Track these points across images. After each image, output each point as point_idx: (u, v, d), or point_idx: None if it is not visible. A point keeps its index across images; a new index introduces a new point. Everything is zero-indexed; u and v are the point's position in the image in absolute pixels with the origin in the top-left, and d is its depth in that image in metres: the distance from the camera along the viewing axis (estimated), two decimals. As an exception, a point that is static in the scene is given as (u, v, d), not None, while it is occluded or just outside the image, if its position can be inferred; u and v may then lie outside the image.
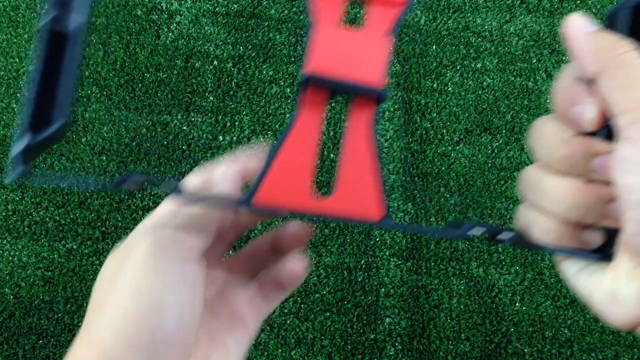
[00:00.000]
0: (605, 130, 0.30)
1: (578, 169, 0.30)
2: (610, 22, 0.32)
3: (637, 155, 0.27)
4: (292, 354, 0.70)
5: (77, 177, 0.27)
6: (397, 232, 0.75)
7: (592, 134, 0.30)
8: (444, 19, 0.88)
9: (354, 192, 0.32)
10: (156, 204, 0.74)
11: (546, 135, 0.31)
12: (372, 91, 0.32)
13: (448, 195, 0.78)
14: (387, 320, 0.71)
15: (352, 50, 0.32)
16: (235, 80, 0.81)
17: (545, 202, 0.31)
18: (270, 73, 0.82)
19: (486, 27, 0.88)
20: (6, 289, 0.69)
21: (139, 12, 0.83)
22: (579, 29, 0.30)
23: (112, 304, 0.31)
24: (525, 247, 0.33)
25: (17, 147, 0.25)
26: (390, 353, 0.70)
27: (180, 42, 0.82)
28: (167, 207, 0.34)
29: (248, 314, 0.35)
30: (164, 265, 0.31)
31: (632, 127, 0.27)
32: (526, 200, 0.33)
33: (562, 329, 0.73)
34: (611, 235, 0.30)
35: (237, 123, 0.79)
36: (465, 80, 0.84)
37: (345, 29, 0.32)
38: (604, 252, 0.31)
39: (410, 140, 0.80)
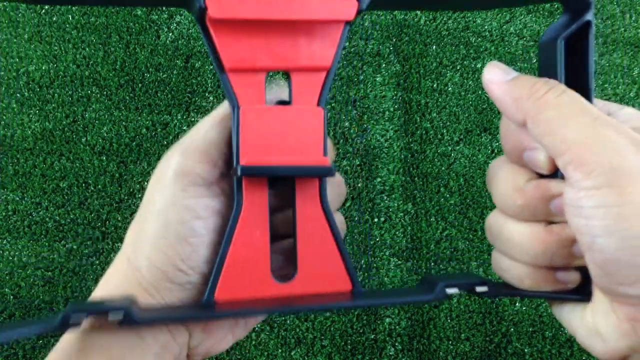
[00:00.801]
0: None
1: (537, 214, 0.29)
2: (542, 54, 0.31)
3: (578, 197, 0.26)
4: (292, 354, 0.70)
5: (15, 331, 0.25)
6: (397, 232, 0.76)
7: (550, 175, 0.29)
8: (444, 19, 0.88)
9: (318, 270, 0.30)
10: (156, 204, 0.74)
11: (501, 182, 0.30)
12: (314, 171, 0.30)
13: (448, 195, 0.78)
14: (387, 320, 0.71)
15: (285, 129, 0.30)
16: (235, 80, 0.81)
17: (511, 251, 0.30)
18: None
19: (486, 27, 0.88)
20: (6, 289, 0.69)
21: (139, 12, 0.83)
22: (497, 80, 0.30)
23: (146, 233, 0.30)
24: (504, 296, 0.32)
25: None
26: (390, 353, 0.70)
27: (180, 42, 0.82)
28: (200, 129, 0.32)
29: None
30: (189, 194, 0.30)
31: (568, 169, 0.26)
32: (495, 247, 0.32)
33: (562, 329, 0.73)
34: (587, 273, 0.29)
35: (237, 123, 0.79)
36: (465, 80, 0.84)
37: (273, 107, 0.30)
38: (584, 291, 0.30)
39: (410, 140, 0.80)
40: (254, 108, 0.30)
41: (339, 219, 0.33)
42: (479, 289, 0.30)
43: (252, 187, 0.30)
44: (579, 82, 0.29)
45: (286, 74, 0.31)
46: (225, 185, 0.31)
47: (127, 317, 0.26)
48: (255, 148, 0.29)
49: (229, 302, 0.29)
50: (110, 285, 0.32)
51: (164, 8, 0.83)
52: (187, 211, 0.30)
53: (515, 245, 0.30)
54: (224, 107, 0.32)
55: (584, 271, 0.30)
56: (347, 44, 0.85)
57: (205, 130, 0.31)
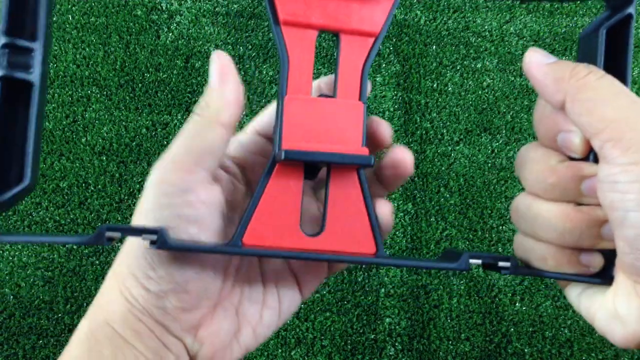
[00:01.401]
0: (593, 153, 0.30)
1: (568, 194, 0.30)
2: (582, 45, 0.33)
3: (613, 173, 0.27)
4: (292, 354, 0.70)
5: (46, 236, 0.26)
6: (397, 232, 0.76)
7: (582, 159, 0.30)
8: (444, 19, 0.88)
9: (344, 229, 0.31)
10: (156, 204, 0.74)
11: (532, 163, 0.31)
12: (352, 159, 0.31)
13: (448, 195, 0.78)
14: (387, 320, 0.71)
15: (326, 120, 0.31)
16: (235, 80, 0.81)
17: (538, 229, 0.31)
18: (270, 73, 0.82)
19: (486, 27, 0.88)
20: (6, 289, 0.69)
21: (139, 12, 0.83)
22: (537, 62, 0.31)
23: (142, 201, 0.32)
24: (524, 275, 0.32)
25: None
26: (390, 353, 0.70)
27: (180, 42, 0.82)
28: (176, 142, 0.33)
29: None
30: (164, 201, 0.31)
31: (605, 147, 0.27)
32: (520, 229, 0.32)
33: (562, 329, 0.73)
34: (610, 257, 0.30)
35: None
36: (465, 80, 0.84)
37: (316, 99, 0.31)
38: (605, 275, 0.30)
39: (410, 140, 0.80)
40: (298, 97, 0.31)
41: (387, 209, 0.34)
42: (502, 263, 0.30)
43: (288, 167, 0.31)
44: (617, 71, 0.31)
45: (336, 36, 0.32)
46: (202, 194, 0.32)
47: (161, 239, 0.27)
48: (296, 136, 0.30)
49: (256, 246, 0.30)
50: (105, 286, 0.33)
51: (163, 8, 0.83)
52: (155, 223, 0.31)
53: (543, 223, 0.30)
54: (200, 118, 0.32)
55: (607, 255, 0.31)
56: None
57: (181, 140, 0.32)
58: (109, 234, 0.26)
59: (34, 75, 0.25)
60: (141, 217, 0.31)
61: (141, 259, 0.31)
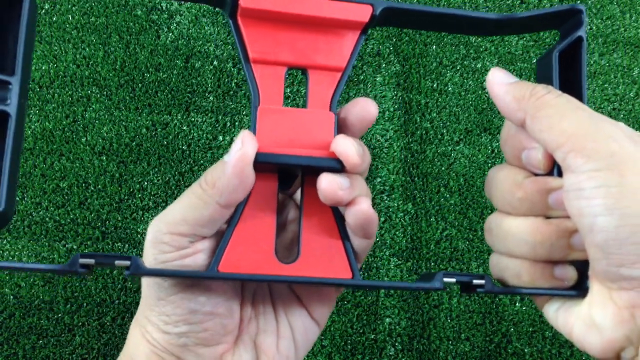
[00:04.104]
0: (557, 168, 0.31)
1: (536, 208, 0.31)
2: (539, 68, 0.34)
3: (579, 180, 0.28)
4: (292, 354, 0.70)
5: (27, 264, 0.27)
6: (397, 232, 0.76)
7: (547, 174, 0.31)
8: (444, 19, 0.88)
9: (320, 256, 0.32)
10: (156, 203, 0.74)
11: (501, 182, 0.32)
12: (321, 162, 0.31)
13: (448, 195, 0.78)
14: (387, 320, 0.71)
15: (297, 128, 0.32)
16: (235, 80, 0.81)
17: (511, 245, 0.32)
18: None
19: (486, 27, 0.88)
20: (6, 289, 0.69)
21: (139, 12, 0.83)
22: (499, 81, 0.32)
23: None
24: (500, 293, 0.33)
25: None
26: (390, 353, 0.70)
27: (180, 42, 0.82)
28: (177, 205, 0.35)
29: None
30: (159, 259, 0.34)
31: (568, 157, 0.28)
32: (494, 249, 0.33)
33: (562, 329, 0.73)
34: (583, 269, 0.31)
35: (237, 123, 0.79)
36: (465, 80, 0.84)
37: (288, 109, 0.33)
38: (580, 287, 0.31)
39: (410, 140, 0.80)
40: (271, 108, 0.32)
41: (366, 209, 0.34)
42: (476, 281, 0.31)
43: (263, 176, 0.32)
44: (574, 90, 0.32)
45: (304, 73, 0.33)
46: (199, 244, 0.34)
47: (135, 265, 0.28)
48: (268, 141, 0.32)
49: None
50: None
51: (163, 8, 0.83)
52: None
53: (514, 239, 0.31)
54: (204, 195, 0.33)
55: (580, 267, 0.31)
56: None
57: (180, 207, 0.34)
58: (82, 260, 0.27)
59: (11, 107, 0.27)
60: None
61: (154, 307, 0.33)
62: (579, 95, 0.32)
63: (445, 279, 0.31)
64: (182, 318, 0.33)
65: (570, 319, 0.31)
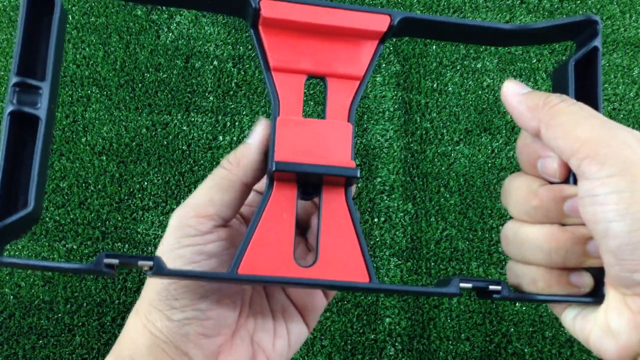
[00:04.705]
0: (572, 176, 0.31)
1: (551, 216, 0.31)
2: (555, 78, 0.35)
3: (592, 187, 0.28)
4: (292, 354, 0.70)
5: (51, 263, 0.28)
6: (397, 232, 0.76)
7: (562, 182, 0.32)
8: (444, 19, 0.88)
9: (337, 260, 0.33)
10: (156, 203, 0.74)
11: (516, 190, 0.33)
12: (340, 172, 0.32)
13: (448, 195, 0.78)
14: (387, 320, 0.71)
15: (316, 138, 0.33)
16: (235, 80, 0.81)
17: (527, 252, 0.32)
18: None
19: (486, 27, 0.88)
20: (6, 289, 0.69)
21: (139, 12, 0.83)
22: (513, 92, 0.33)
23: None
24: (517, 299, 0.33)
25: None
26: (390, 353, 0.70)
27: (180, 42, 0.82)
28: (203, 188, 0.36)
29: None
30: (182, 243, 0.35)
31: (582, 164, 0.29)
32: (510, 256, 0.34)
33: (562, 329, 0.73)
34: (599, 276, 0.31)
35: (237, 123, 0.79)
36: (465, 80, 0.84)
37: (307, 120, 0.33)
38: (596, 294, 0.31)
39: (410, 140, 0.80)
40: (291, 119, 0.33)
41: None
42: (493, 287, 0.31)
43: (282, 184, 0.33)
44: (589, 99, 0.33)
45: (323, 81, 0.34)
46: (221, 232, 0.35)
47: (157, 265, 0.29)
48: (287, 150, 0.32)
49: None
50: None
51: (164, 8, 0.83)
52: (179, 259, 0.34)
53: (530, 246, 0.32)
54: (229, 174, 0.35)
55: (596, 275, 0.31)
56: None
57: (205, 189, 0.35)
58: (107, 260, 0.28)
59: (41, 111, 0.28)
60: (163, 256, 0.34)
61: (164, 291, 0.34)
62: (594, 104, 0.33)
63: (462, 285, 0.31)
64: (191, 302, 0.34)
65: (587, 326, 0.31)
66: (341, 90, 0.34)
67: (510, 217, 0.34)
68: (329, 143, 0.33)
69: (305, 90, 0.80)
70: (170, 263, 0.34)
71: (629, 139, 0.28)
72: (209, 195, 0.34)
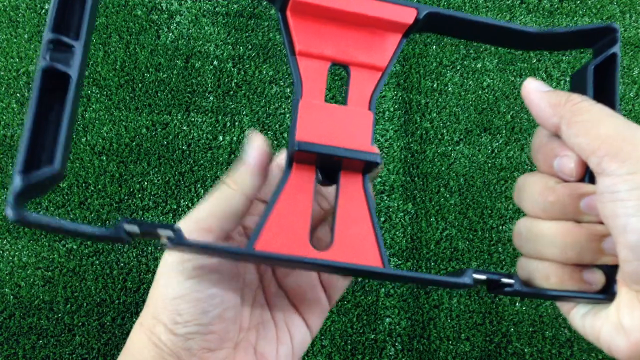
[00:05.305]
0: (589, 175, 0.32)
1: (567, 212, 0.32)
2: (573, 82, 0.36)
3: (614, 183, 0.29)
4: (292, 354, 0.70)
5: (73, 224, 0.27)
6: (397, 232, 0.76)
7: (576, 181, 0.32)
8: (444, 19, 0.88)
9: (352, 245, 0.33)
10: (156, 203, 0.74)
11: (532, 186, 0.33)
12: (361, 156, 0.32)
13: (448, 195, 0.78)
14: (387, 320, 0.71)
15: (337, 123, 0.33)
16: (235, 80, 0.81)
17: (541, 247, 0.32)
18: (270, 73, 0.82)
19: (486, 27, 0.88)
20: (6, 289, 0.69)
21: (139, 12, 0.83)
22: (535, 90, 0.34)
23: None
24: (529, 295, 0.33)
25: (10, 191, 0.26)
26: (390, 353, 0.70)
27: (180, 42, 0.82)
28: (205, 203, 0.37)
29: None
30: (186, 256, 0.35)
31: (603, 161, 0.29)
32: (523, 252, 0.34)
33: (562, 329, 0.73)
34: (612, 274, 0.31)
35: (237, 123, 0.79)
36: (465, 80, 0.84)
37: (329, 105, 0.34)
38: (608, 291, 0.32)
39: (410, 140, 0.80)
40: (313, 102, 0.33)
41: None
42: (505, 280, 0.32)
43: (301, 166, 0.33)
44: (607, 102, 0.34)
45: (345, 69, 0.34)
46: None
47: (178, 235, 0.29)
48: (308, 132, 0.33)
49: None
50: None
51: (163, 8, 0.83)
52: (180, 274, 0.35)
53: (545, 240, 0.32)
54: (229, 189, 0.35)
55: (608, 272, 0.32)
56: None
57: (206, 205, 0.35)
58: (127, 227, 0.28)
59: (73, 70, 0.28)
60: (166, 270, 0.34)
61: (167, 307, 0.34)
62: (612, 107, 0.34)
63: (475, 276, 0.32)
64: (194, 318, 0.34)
65: (597, 324, 0.31)
66: (364, 79, 0.34)
67: (522, 216, 0.35)
68: (351, 129, 0.33)
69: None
70: (173, 274, 0.34)
71: None
72: (210, 209, 0.35)
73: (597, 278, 0.32)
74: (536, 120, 0.33)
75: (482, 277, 0.31)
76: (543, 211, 0.32)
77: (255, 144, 0.34)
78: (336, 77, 0.82)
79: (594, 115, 0.30)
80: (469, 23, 0.34)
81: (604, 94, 0.34)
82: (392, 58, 0.34)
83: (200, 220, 0.34)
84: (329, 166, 0.34)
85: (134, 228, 0.28)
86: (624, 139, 0.29)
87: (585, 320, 0.32)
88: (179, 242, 0.29)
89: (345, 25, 0.34)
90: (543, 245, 0.32)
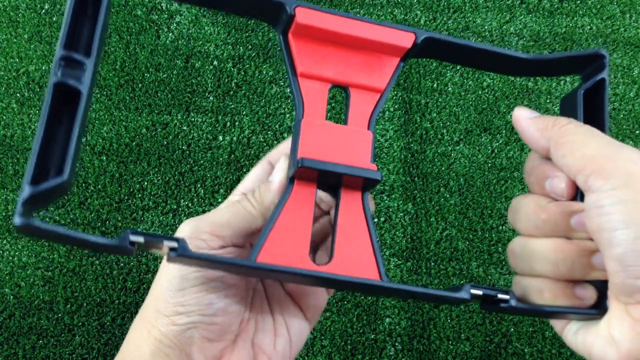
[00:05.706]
0: (580, 194, 0.33)
1: (559, 229, 0.33)
2: (563, 105, 0.37)
3: (598, 199, 0.30)
4: (292, 354, 0.70)
5: (80, 234, 0.28)
6: (397, 232, 0.76)
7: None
8: (444, 19, 0.88)
9: (351, 259, 0.34)
10: (156, 203, 0.74)
11: (525, 206, 0.35)
12: (362, 174, 0.33)
13: (448, 195, 0.78)
14: (387, 320, 0.71)
15: (338, 141, 0.34)
16: (235, 80, 0.81)
17: (534, 263, 0.34)
18: (270, 73, 0.82)
19: (486, 27, 0.88)
20: (6, 289, 0.69)
21: (139, 12, 0.83)
22: (523, 117, 0.35)
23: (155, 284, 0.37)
24: (524, 312, 0.34)
25: (19, 199, 0.27)
26: (390, 353, 0.70)
27: (180, 42, 0.82)
28: (220, 210, 0.38)
29: None
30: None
31: (589, 179, 0.31)
32: (517, 270, 0.35)
33: (562, 329, 0.73)
34: (603, 289, 0.32)
35: (237, 123, 0.79)
36: (465, 80, 0.84)
37: (330, 124, 0.35)
38: (599, 306, 0.33)
39: (410, 140, 0.80)
40: (314, 122, 0.34)
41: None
42: (501, 295, 0.33)
43: (303, 183, 0.34)
44: (595, 125, 0.35)
45: (345, 91, 0.36)
46: (224, 253, 0.37)
47: (182, 247, 0.30)
48: (311, 150, 0.34)
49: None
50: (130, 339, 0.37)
51: (163, 8, 0.83)
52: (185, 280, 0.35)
53: (538, 257, 0.33)
54: (250, 205, 0.36)
55: (599, 288, 0.33)
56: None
57: (227, 213, 0.37)
58: (132, 237, 0.29)
59: (84, 86, 0.29)
60: (167, 268, 0.35)
61: (172, 298, 0.35)
62: (601, 129, 0.35)
63: (473, 291, 0.33)
64: (198, 308, 0.35)
65: (589, 339, 0.32)
66: (363, 100, 0.35)
67: (516, 235, 0.36)
68: (351, 147, 0.34)
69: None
70: (176, 272, 0.35)
71: (633, 155, 0.30)
72: (228, 219, 0.36)
73: (589, 293, 0.33)
74: (527, 144, 0.35)
75: (479, 292, 0.33)
76: (536, 229, 0.34)
77: (282, 165, 0.36)
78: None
79: (578, 136, 0.32)
80: (465, 48, 0.36)
81: (594, 117, 0.36)
82: (390, 80, 0.36)
83: (215, 225, 0.35)
84: (329, 183, 0.35)
85: (139, 238, 0.29)
86: (607, 157, 0.31)
87: (578, 336, 0.34)
88: (183, 254, 0.30)
89: (345, 48, 0.35)
90: (536, 261, 0.33)
